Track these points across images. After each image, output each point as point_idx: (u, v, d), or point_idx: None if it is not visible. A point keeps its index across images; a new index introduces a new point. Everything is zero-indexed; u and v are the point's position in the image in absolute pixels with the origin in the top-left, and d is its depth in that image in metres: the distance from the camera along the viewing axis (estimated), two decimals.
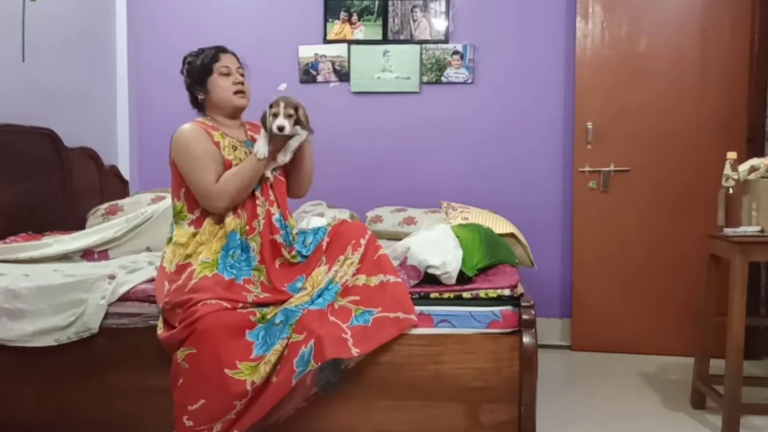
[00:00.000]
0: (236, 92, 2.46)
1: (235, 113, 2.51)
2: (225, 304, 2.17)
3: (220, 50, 2.49)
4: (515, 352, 2.26)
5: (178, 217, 2.44)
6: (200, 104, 2.52)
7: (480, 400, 2.28)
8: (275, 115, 2.31)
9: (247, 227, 2.39)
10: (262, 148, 2.35)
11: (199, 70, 2.46)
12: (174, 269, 2.34)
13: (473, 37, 4.31)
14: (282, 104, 2.31)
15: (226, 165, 2.39)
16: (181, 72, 2.53)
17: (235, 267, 2.33)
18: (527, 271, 3.45)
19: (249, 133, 2.57)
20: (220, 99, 2.46)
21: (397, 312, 2.28)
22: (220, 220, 2.38)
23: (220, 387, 2.08)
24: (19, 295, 2.42)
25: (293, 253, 2.43)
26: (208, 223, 2.38)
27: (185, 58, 2.53)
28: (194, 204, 2.41)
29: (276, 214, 2.45)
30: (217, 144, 2.40)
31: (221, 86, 2.45)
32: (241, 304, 2.22)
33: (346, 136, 4.42)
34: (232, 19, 4.47)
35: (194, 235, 2.39)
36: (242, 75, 2.50)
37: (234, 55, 2.52)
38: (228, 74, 2.46)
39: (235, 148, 2.44)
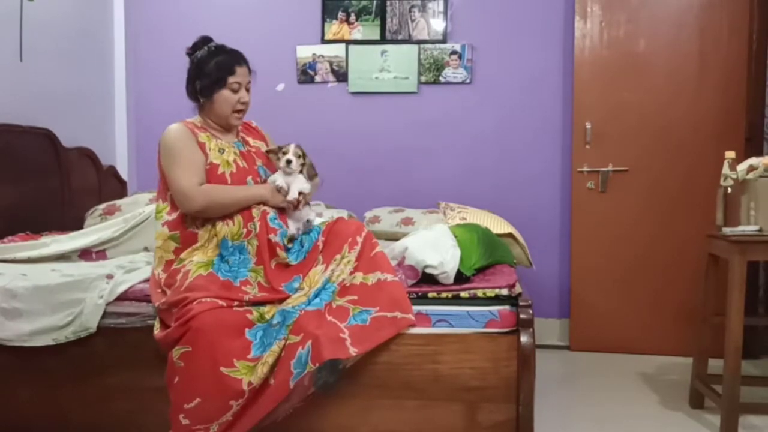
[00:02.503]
0: (236, 111, 2.45)
1: (228, 128, 2.51)
2: (220, 302, 2.16)
3: (237, 62, 2.43)
4: (513, 351, 2.25)
5: (156, 216, 2.44)
6: (193, 97, 2.50)
7: (478, 400, 2.27)
8: (285, 153, 2.46)
9: (244, 230, 2.38)
10: (279, 179, 2.45)
11: (211, 78, 2.41)
12: (164, 273, 2.35)
13: (471, 37, 4.31)
14: (293, 146, 2.48)
15: (212, 168, 2.38)
16: (187, 54, 2.48)
17: (231, 271, 2.33)
18: (525, 271, 3.45)
19: (241, 135, 2.57)
20: (219, 112, 2.45)
21: (395, 312, 2.27)
22: (207, 223, 2.38)
23: (216, 385, 2.08)
24: (17, 295, 2.42)
25: (284, 254, 2.42)
26: (204, 230, 2.37)
27: (198, 45, 2.47)
28: (174, 206, 2.40)
29: (271, 213, 2.43)
30: (202, 145, 2.39)
31: (225, 101, 2.42)
32: (236, 303, 2.21)
33: (344, 136, 4.42)
34: (229, 19, 4.47)
35: (171, 238, 2.38)
36: (248, 89, 2.48)
37: (247, 65, 2.47)
38: (236, 91, 2.43)
39: (222, 151, 2.43)
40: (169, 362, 2.14)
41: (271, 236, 2.39)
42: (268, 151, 2.56)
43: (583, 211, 4.10)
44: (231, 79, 2.41)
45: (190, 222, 2.38)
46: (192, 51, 2.48)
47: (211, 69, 2.40)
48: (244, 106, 2.47)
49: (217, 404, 2.08)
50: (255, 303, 2.26)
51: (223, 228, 2.36)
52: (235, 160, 2.44)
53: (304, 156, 2.52)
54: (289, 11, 4.45)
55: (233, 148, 2.47)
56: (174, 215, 2.40)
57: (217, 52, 2.44)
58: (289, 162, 2.45)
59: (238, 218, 2.37)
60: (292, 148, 2.49)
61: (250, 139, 2.60)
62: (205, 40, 2.48)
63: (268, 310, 2.25)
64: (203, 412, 2.09)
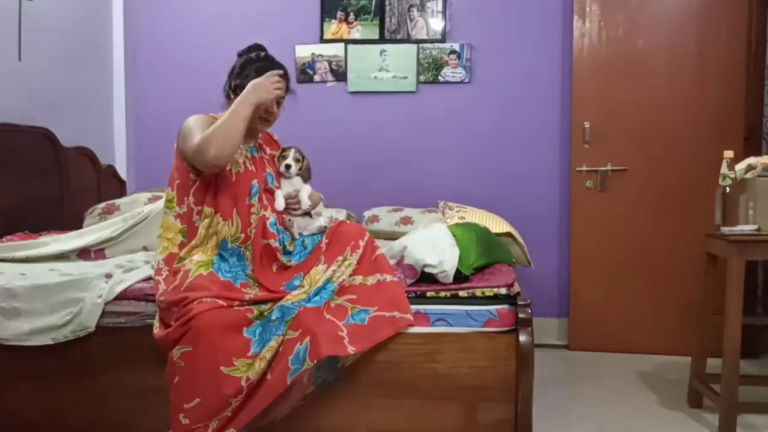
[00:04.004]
0: (260, 117, 2.46)
1: (251, 132, 2.51)
2: (221, 302, 2.17)
3: (279, 75, 2.45)
4: (512, 350, 2.25)
5: (167, 205, 2.44)
6: (228, 93, 2.51)
7: (476, 399, 2.27)
8: (284, 157, 2.57)
9: (242, 235, 2.38)
10: (279, 201, 2.51)
11: (247, 79, 2.40)
12: (166, 266, 2.36)
13: (470, 37, 4.31)
14: (293, 150, 2.59)
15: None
16: (238, 54, 2.53)
17: (231, 271, 2.34)
18: (524, 270, 3.46)
19: (259, 141, 2.58)
20: None
21: (394, 311, 2.28)
22: (207, 218, 2.38)
23: (216, 385, 2.08)
24: (16, 294, 2.42)
25: (284, 258, 2.43)
26: (202, 227, 2.38)
27: (251, 49, 2.52)
28: (182, 198, 2.41)
29: (271, 218, 2.45)
30: None
31: None
32: (237, 303, 2.22)
33: (343, 135, 4.42)
34: (228, 19, 4.47)
35: (180, 231, 2.40)
36: (280, 103, 2.49)
37: (287, 81, 2.50)
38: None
39: None
40: (169, 361, 2.14)
41: (271, 241, 2.40)
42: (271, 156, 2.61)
43: (582, 210, 4.10)
44: None
45: (195, 216, 2.39)
46: (244, 52, 2.53)
47: (251, 71, 2.44)
48: (270, 116, 2.49)
49: (216, 402, 2.09)
50: (256, 302, 2.26)
51: (224, 228, 2.36)
52: (244, 162, 2.45)
53: (303, 159, 2.61)
54: (288, 11, 4.45)
55: (246, 152, 2.48)
56: (183, 207, 2.41)
57: (263, 60, 2.50)
58: (288, 167, 2.55)
59: (237, 220, 2.38)
60: (291, 152, 2.58)
61: (267, 148, 2.63)
62: (259, 47, 2.54)
63: (269, 308, 2.25)
64: (203, 411, 2.09)
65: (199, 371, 2.10)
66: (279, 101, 2.49)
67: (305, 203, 2.54)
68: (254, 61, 2.48)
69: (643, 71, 3.99)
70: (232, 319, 2.16)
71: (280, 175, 2.59)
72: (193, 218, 2.40)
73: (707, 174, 3.58)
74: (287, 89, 2.51)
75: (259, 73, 2.42)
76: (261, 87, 2.35)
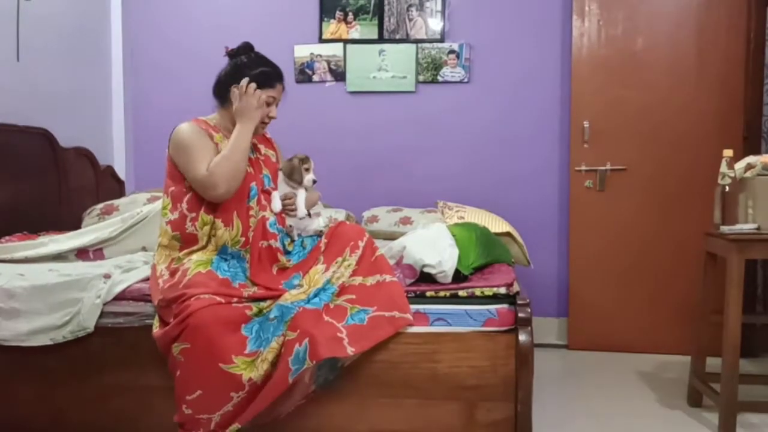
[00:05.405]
0: (261, 122, 2.47)
1: None
2: (218, 298, 2.17)
3: (278, 79, 2.47)
4: (511, 350, 2.25)
5: (162, 212, 2.45)
6: (222, 96, 2.48)
7: (476, 399, 2.27)
8: (307, 170, 2.55)
9: (243, 238, 2.38)
10: (276, 202, 2.48)
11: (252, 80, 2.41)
12: (167, 272, 2.35)
13: (469, 36, 4.31)
14: (312, 161, 2.57)
15: None
16: (228, 55, 2.50)
17: (230, 271, 2.34)
18: (524, 270, 3.45)
19: (253, 141, 2.57)
20: None
21: (393, 311, 2.28)
22: (206, 225, 2.38)
23: (216, 379, 2.09)
24: (14, 295, 2.42)
25: (285, 258, 2.44)
26: (203, 234, 2.37)
27: (241, 51, 2.48)
28: (176, 204, 2.40)
29: (271, 219, 2.44)
30: (216, 145, 2.40)
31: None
32: (235, 299, 2.22)
33: (342, 135, 4.42)
34: (227, 18, 4.47)
35: (174, 238, 2.39)
36: (277, 105, 2.50)
37: (283, 84, 2.51)
38: (269, 104, 2.46)
39: None
40: (170, 356, 2.15)
41: (272, 242, 2.40)
42: (289, 163, 2.56)
43: (581, 209, 4.10)
44: (269, 92, 2.44)
45: (189, 223, 2.38)
46: (234, 53, 2.49)
47: (255, 76, 2.42)
48: (270, 120, 2.50)
49: (218, 396, 2.10)
50: (254, 299, 2.26)
51: (225, 234, 2.36)
52: None
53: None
54: (287, 10, 4.45)
55: None
56: (176, 214, 2.40)
57: (262, 62, 2.48)
58: (315, 182, 2.56)
59: (237, 224, 2.37)
60: (312, 164, 2.58)
61: (261, 147, 2.61)
62: (249, 47, 2.51)
63: (268, 306, 2.25)
64: (204, 403, 2.10)
65: (199, 367, 2.10)
66: (277, 104, 2.49)
67: (302, 211, 2.52)
68: (255, 64, 2.45)
69: (643, 70, 3.99)
70: (230, 316, 2.16)
71: (276, 176, 2.58)
72: (186, 224, 2.39)
73: (706, 173, 3.57)
74: (282, 89, 2.50)
75: (263, 77, 2.42)
76: (248, 108, 2.38)
